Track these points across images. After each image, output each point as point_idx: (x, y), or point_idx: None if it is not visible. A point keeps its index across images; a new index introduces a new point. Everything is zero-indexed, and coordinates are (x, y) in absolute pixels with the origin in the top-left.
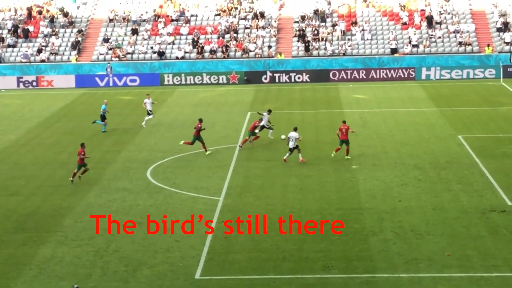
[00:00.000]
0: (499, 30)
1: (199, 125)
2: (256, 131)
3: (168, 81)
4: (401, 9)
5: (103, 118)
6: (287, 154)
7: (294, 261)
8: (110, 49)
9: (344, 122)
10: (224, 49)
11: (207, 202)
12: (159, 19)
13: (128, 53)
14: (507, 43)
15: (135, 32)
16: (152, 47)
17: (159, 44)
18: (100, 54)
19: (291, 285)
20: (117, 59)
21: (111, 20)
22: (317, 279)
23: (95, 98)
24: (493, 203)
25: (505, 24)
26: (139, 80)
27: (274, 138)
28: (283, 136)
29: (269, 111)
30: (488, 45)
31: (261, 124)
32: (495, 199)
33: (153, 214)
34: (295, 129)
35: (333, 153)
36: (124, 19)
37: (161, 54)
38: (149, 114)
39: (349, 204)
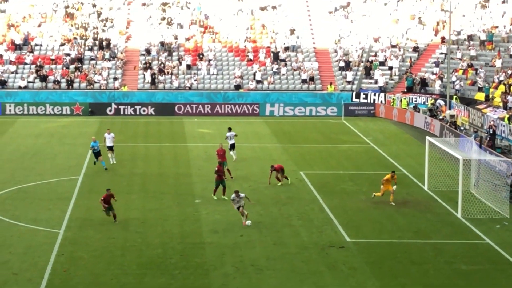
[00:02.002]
0: (341, 69)
1: (218, 168)
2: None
3: (10, 110)
4: (247, 41)
5: (97, 155)
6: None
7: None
8: None
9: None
10: (68, 80)
11: (47, 235)
12: (2, 47)
13: None
14: (348, 82)
15: None
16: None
17: (1, 72)
18: None
19: None
20: None
21: None
22: None
23: None
24: (332, 239)
25: (347, 63)
26: None
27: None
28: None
29: (230, 129)
30: (331, 83)
31: (231, 142)
32: (334, 235)
33: None
34: (238, 192)
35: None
36: None
37: (3, 83)
38: (111, 150)
39: (191, 238)
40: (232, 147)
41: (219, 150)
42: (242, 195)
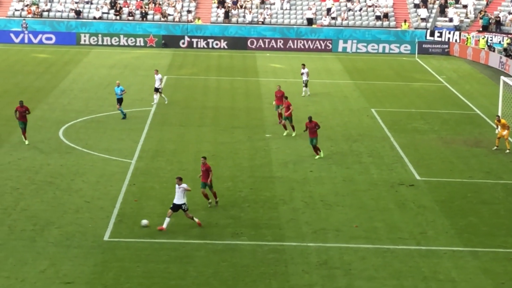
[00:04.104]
0: (416, 6)
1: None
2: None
3: (85, 41)
4: None
5: (121, 101)
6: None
7: (203, 227)
8: (26, 5)
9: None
10: (142, 12)
11: (119, 164)
12: None
13: (45, 11)
14: (423, 19)
15: None
16: (73, 9)
17: (76, 2)
18: (16, 10)
19: (199, 250)
20: (31, 15)
21: None
22: (225, 245)
23: (9, 55)
24: (402, 177)
25: (422, 1)
26: (55, 39)
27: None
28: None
29: (303, 65)
30: (405, 21)
31: (305, 78)
32: (404, 173)
33: (63, 174)
34: (180, 179)
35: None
36: None
37: (78, 13)
38: (156, 92)
39: (261, 172)
40: (306, 84)
41: (277, 92)
42: (184, 185)
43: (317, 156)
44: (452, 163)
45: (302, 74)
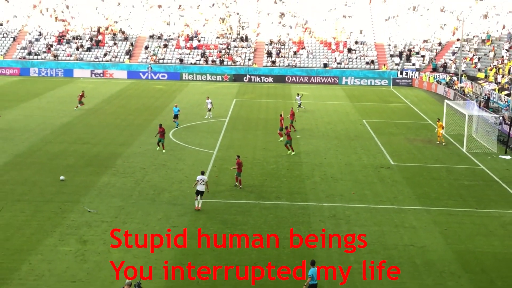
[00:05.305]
0: (391, 56)
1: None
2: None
3: (185, 77)
4: (332, 37)
5: (176, 117)
6: (196, 201)
7: (257, 192)
8: (150, 55)
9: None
10: (220, 60)
11: (206, 154)
12: (181, 38)
13: (161, 59)
14: (396, 64)
15: (165, 46)
16: (178, 58)
17: (180, 54)
18: (143, 58)
19: (255, 207)
20: (153, 62)
21: (150, 37)
22: (272, 204)
23: (139, 86)
24: (382, 162)
25: (400, 53)
26: (167, 76)
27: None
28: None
29: (298, 94)
30: (384, 65)
31: (299, 102)
32: (384, 160)
33: (172, 159)
34: (203, 173)
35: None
36: (159, 37)
37: (181, 60)
38: (209, 111)
39: (293, 159)
40: (299, 105)
41: (290, 111)
42: (204, 177)
43: (291, 153)
44: (414, 153)
45: (296, 100)
